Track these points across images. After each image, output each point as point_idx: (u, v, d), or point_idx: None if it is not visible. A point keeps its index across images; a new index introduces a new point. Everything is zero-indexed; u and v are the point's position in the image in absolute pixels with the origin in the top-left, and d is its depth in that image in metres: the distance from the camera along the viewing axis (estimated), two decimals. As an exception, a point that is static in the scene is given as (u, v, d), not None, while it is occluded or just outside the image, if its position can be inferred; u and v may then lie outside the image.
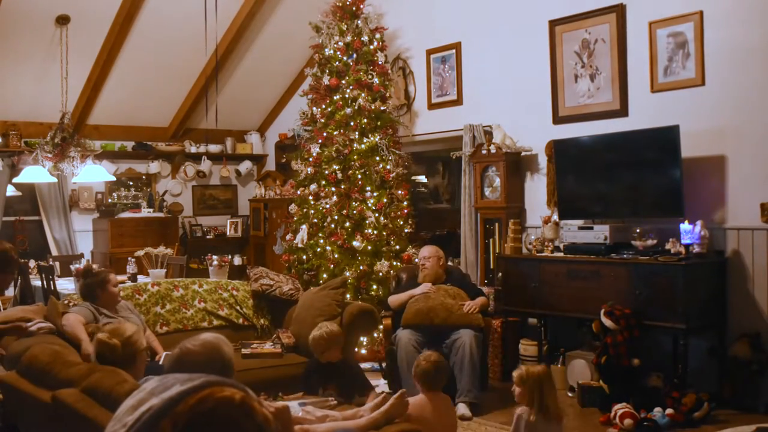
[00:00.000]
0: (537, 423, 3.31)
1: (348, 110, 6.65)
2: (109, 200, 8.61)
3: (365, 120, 6.65)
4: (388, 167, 6.60)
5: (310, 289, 5.53)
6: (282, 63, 8.65)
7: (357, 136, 6.64)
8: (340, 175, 6.64)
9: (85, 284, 4.50)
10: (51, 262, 7.13)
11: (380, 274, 6.33)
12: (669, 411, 4.43)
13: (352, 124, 6.66)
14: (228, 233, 9.38)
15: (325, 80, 6.85)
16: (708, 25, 5.08)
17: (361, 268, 6.37)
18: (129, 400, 0.87)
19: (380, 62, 6.85)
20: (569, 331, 5.59)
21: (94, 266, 6.65)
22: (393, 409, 3.31)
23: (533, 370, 3.42)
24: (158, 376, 0.89)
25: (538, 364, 4.39)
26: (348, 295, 5.69)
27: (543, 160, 6.09)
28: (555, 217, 5.75)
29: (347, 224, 6.50)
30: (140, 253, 6.93)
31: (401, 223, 6.63)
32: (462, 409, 4.66)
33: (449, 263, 6.22)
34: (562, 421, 3.45)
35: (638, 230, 5.06)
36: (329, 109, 6.79)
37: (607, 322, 4.73)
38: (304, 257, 6.77)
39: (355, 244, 6.42)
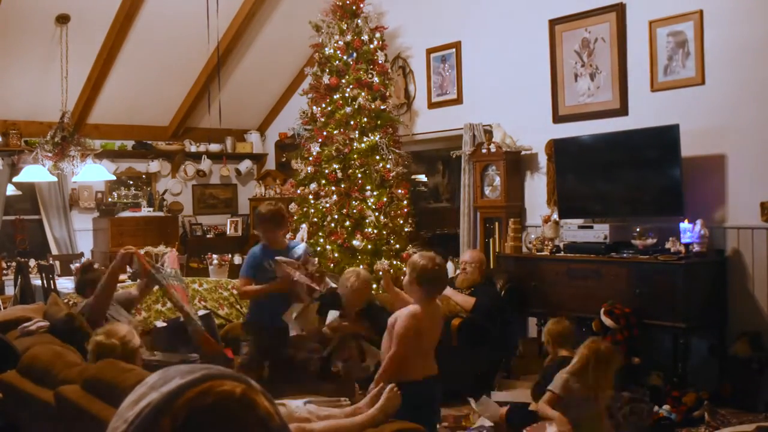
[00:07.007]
0: None
1: (348, 109, 6.65)
2: (109, 199, 8.61)
3: (365, 119, 6.65)
4: (388, 166, 6.60)
5: None
6: (282, 62, 8.64)
7: (357, 135, 6.64)
8: (340, 174, 6.63)
9: (82, 280, 4.48)
10: (51, 261, 7.13)
11: (380, 273, 6.31)
12: (665, 407, 4.43)
13: (352, 123, 6.65)
14: (228, 232, 9.38)
15: (325, 79, 6.84)
16: (708, 24, 5.08)
17: (361, 267, 6.36)
18: (131, 395, 0.86)
19: (380, 61, 6.85)
20: (569, 330, 5.58)
21: (96, 265, 6.64)
22: (389, 403, 3.32)
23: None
24: (161, 370, 0.89)
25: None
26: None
27: (543, 159, 6.09)
28: (555, 216, 5.75)
29: (347, 223, 6.50)
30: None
31: (401, 222, 6.62)
32: None
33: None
34: None
35: (638, 229, 5.06)
36: (329, 108, 6.78)
37: (607, 321, 4.73)
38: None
39: (355, 243, 6.41)
